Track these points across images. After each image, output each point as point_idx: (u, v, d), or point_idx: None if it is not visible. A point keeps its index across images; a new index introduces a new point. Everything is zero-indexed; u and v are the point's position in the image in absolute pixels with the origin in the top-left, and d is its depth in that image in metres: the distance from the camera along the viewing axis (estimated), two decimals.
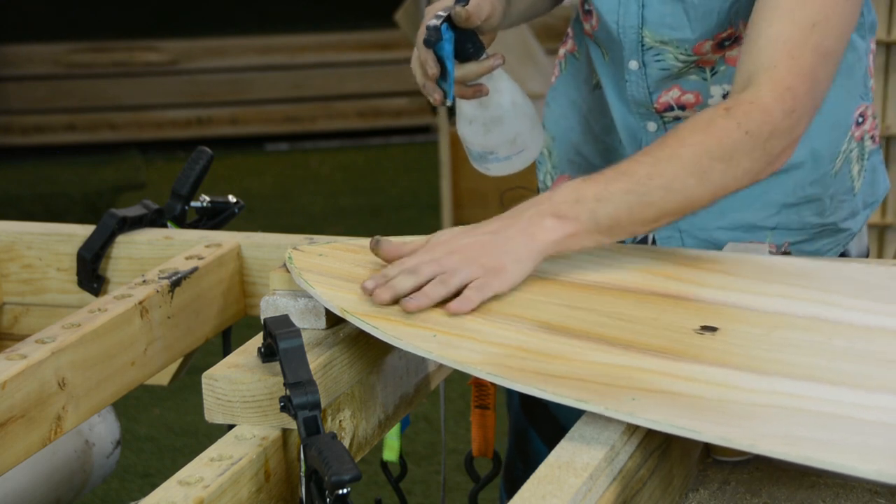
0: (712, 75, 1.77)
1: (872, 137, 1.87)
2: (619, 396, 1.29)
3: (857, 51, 1.81)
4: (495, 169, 1.78)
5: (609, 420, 1.27)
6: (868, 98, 1.86)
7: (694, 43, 1.74)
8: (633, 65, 1.79)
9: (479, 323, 1.44)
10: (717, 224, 1.82)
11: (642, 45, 1.77)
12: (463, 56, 1.65)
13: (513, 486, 2.01)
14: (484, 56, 1.67)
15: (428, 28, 1.61)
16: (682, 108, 1.80)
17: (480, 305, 1.47)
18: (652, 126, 1.83)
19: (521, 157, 1.77)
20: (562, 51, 1.98)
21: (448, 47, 1.63)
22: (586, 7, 1.83)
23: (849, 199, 1.85)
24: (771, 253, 1.79)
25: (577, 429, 1.27)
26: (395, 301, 1.44)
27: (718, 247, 1.79)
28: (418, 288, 1.45)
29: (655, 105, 1.81)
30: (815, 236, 1.85)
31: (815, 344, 1.42)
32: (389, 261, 1.51)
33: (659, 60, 1.78)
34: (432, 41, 1.61)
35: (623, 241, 1.87)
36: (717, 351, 1.40)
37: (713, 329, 1.45)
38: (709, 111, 1.57)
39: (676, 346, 1.40)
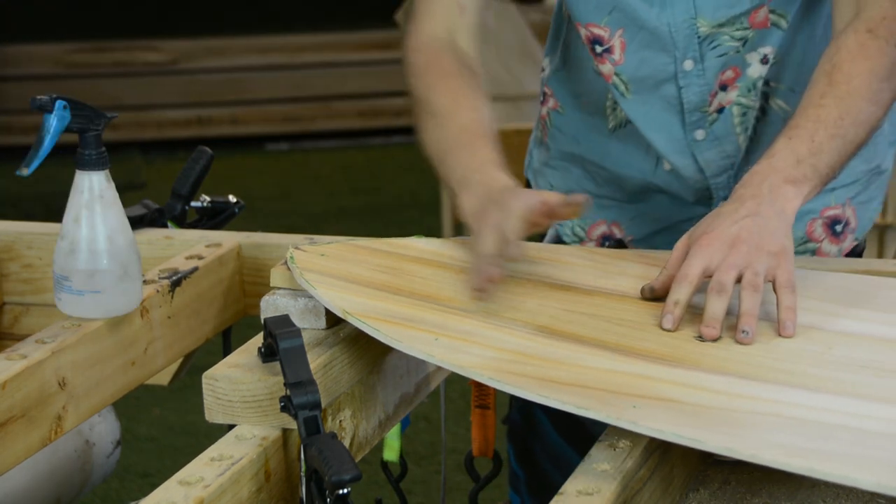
0: (743, 45, 1.77)
1: None
2: (621, 404, 1.29)
3: None
4: (66, 301, 1.56)
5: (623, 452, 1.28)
6: None
7: (750, 13, 1.74)
8: (688, 65, 1.77)
9: (481, 326, 1.44)
10: None
11: (698, 37, 1.76)
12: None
13: (521, 446, 2.01)
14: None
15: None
16: (724, 87, 1.79)
17: (484, 308, 1.47)
18: (700, 134, 1.81)
19: (94, 300, 1.55)
20: (544, 110, 1.96)
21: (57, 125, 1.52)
22: (598, 49, 1.80)
23: (881, 139, 1.90)
24: (836, 215, 1.85)
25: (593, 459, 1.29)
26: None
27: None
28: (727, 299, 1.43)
29: (711, 102, 1.79)
30: (866, 184, 1.88)
31: (814, 353, 1.42)
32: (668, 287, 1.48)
33: (715, 47, 1.76)
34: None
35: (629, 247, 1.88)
36: (717, 358, 1.40)
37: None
38: (849, 35, 1.63)
39: (677, 352, 1.40)
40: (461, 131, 1.67)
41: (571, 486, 1.23)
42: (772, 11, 1.76)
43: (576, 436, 1.90)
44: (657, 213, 1.89)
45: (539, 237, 1.98)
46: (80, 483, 2.05)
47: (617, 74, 1.81)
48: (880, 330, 1.48)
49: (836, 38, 1.65)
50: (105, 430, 2.09)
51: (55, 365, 1.49)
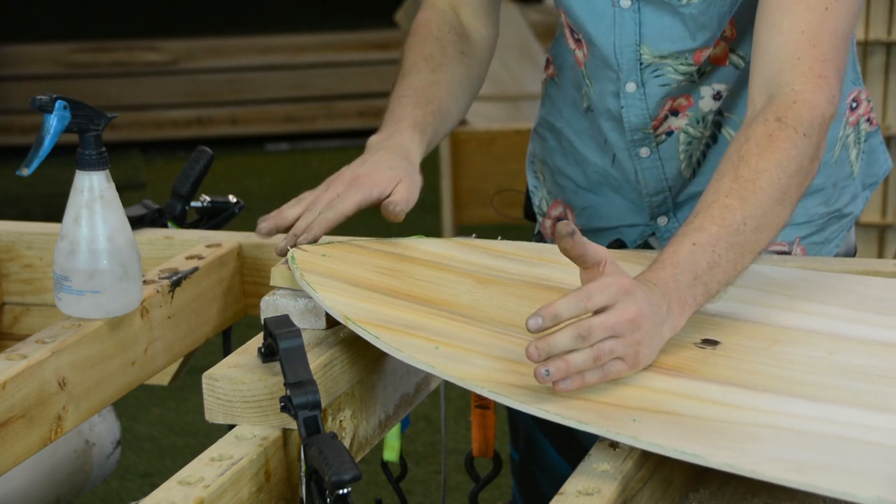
0: (700, 76, 1.76)
1: (869, 120, 1.86)
2: (621, 418, 1.29)
3: None
4: (66, 301, 1.57)
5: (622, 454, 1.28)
6: (859, 83, 1.85)
7: (694, 52, 1.73)
8: (631, 87, 1.77)
9: (481, 334, 1.44)
10: None
11: (640, 63, 1.75)
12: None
13: (525, 481, 2.00)
14: None
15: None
16: (675, 112, 1.78)
17: (484, 314, 1.46)
18: (645, 152, 1.81)
19: (94, 301, 1.55)
20: (545, 75, 1.97)
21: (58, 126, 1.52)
22: (576, 36, 1.81)
23: (849, 183, 1.85)
24: (782, 251, 1.79)
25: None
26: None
27: None
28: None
29: (653, 124, 1.79)
30: (823, 226, 1.84)
31: (814, 359, 1.42)
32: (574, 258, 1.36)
33: (658, 76, 1.76)
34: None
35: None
36: (718, 366, 1.40)
37: (714, 343, 1.44)
38: (758, 124, 1.54)
39: (678, 360, 1.40)
40: (406, 90, 1.84)
41: (571, 486, 1.23)
42: (732, 51, 1.74)
43: (569, 446, 1.89)
44: (605, 210, 1.88)
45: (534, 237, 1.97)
46: (80, 483, 2.05)
47: (585, 68, 1.82)
48: (880, 333, 1.47)
49: (747, 127, 1.57)
50: (105, 430, 2.09)
51: (55, 365, 1.49)
